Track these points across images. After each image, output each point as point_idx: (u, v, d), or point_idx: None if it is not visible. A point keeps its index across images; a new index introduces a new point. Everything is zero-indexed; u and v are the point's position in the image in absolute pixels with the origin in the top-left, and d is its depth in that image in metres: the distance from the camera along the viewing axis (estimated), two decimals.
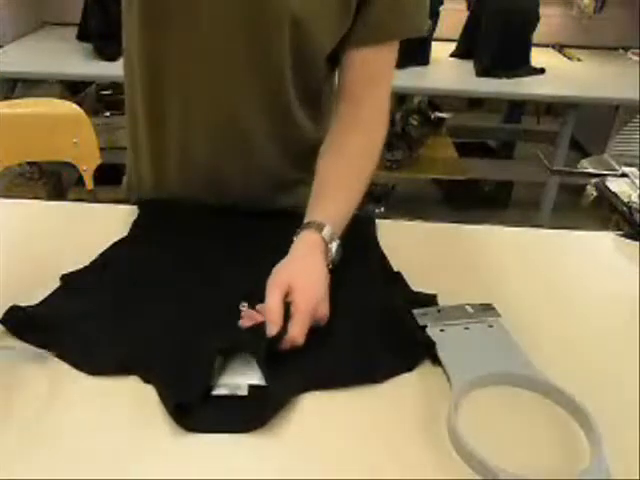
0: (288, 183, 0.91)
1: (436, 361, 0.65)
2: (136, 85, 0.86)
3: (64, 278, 0.75)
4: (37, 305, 0.70)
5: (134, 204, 0.94)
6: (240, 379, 0.62)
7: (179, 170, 0.91)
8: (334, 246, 0.75)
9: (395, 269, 0.81)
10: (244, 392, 0.60)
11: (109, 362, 0.63)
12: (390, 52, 0.86)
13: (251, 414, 0.57)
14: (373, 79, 0.86)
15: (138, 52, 0.82)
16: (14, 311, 0.67)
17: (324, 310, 0.69)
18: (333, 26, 0.80)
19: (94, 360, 0.63)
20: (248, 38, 0.78)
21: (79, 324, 0.67)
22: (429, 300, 0.75)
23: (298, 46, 0.80)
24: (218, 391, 0.60)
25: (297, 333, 0.64)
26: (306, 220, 0.77)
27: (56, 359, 0.63)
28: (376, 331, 0.69)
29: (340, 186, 0.82)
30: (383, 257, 0.84)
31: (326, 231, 0.74)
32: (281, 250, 0.73)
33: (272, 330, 0.64)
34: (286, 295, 0.67)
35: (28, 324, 0.66)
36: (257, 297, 0.68)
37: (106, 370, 0.62)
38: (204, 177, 0.91)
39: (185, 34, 0.78)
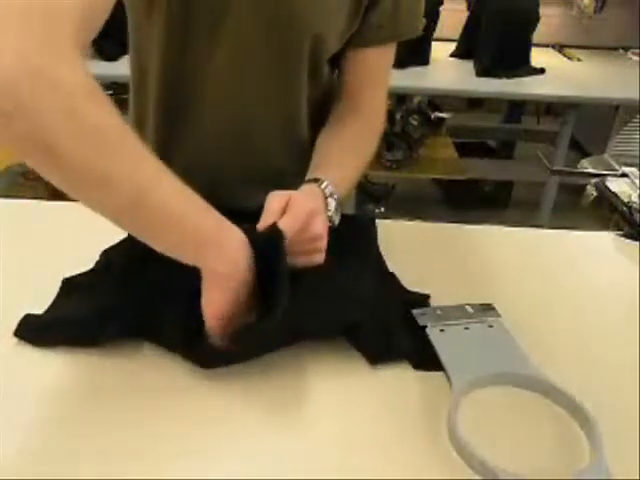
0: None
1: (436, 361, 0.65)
2: (148, 87, 0.85)
3: (67, 281, 0.74)
4: (46, 311, 0.69)
5: None
6: None
7: (182, 171, 0.91)
8: (332, 202, 0.73)
9: (395, 269, 0.81)
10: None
11: (122, 327, 0.65)
12: (390, 52, 0.88)
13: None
14: (373, 79, 0.89)
15: (158, 60, 0.81)
16: (29, 320, 0.66)
17: (319, 226, 0.67)
18: (342, 33, 0.82)
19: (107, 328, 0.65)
20: (269, 54, 0.79)
21: (89, 317, 0.67)
22: (421, 300, 0.74)
23: (315, 58, 0.83)
24: None
25: (285, 224, 0.64)
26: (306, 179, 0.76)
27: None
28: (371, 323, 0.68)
29: (340, 159, 0.82)
30: (380, 258, 0.84)
31: (325, 185, 0.73)
32: None
33: (266, 220, 0.65)
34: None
35: (45, 331, 0.66)
36: None
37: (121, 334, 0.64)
38: (207, 178, 0.91)
39: (208, 48, 0.79)
